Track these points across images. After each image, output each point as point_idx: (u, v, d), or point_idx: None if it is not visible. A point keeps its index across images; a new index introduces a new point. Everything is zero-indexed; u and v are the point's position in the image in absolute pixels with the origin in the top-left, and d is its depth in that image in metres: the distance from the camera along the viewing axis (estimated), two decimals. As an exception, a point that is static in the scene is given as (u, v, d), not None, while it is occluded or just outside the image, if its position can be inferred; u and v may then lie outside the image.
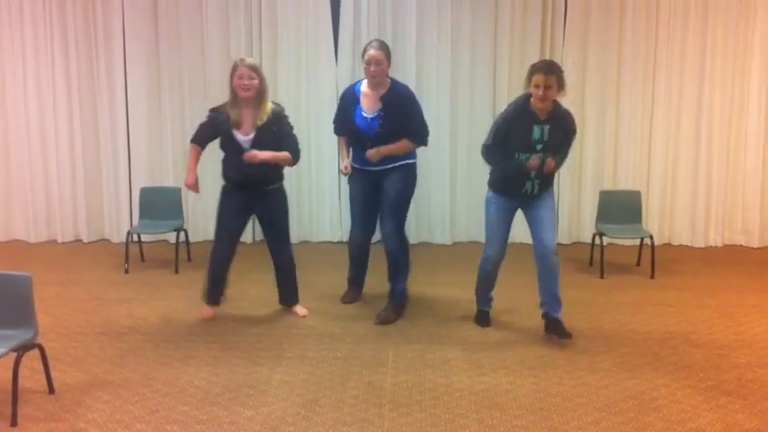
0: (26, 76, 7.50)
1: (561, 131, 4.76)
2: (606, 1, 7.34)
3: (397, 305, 5.35)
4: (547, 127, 4.70)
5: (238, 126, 4.86)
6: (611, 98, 7.45)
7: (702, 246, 7.63)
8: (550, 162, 4.64)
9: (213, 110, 5.02)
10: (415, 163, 5.35)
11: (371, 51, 5.06)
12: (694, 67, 7.43)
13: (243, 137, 4.87)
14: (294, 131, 5.08)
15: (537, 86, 4.59)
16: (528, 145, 4.68)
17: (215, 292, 5.28)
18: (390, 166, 5.21)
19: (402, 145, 5.17)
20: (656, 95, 7.50)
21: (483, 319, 5.18)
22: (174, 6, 7.35)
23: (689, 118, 7.51)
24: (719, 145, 7.54)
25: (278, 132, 4.92)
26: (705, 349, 4.73)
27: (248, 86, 4.78)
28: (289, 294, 5.39)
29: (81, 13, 7.40)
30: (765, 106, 7.45)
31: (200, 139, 5.06)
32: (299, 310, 5.36)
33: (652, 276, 6.37)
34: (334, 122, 5.47)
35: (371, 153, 5.10)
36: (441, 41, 7.39)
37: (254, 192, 5.03)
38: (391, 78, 5.25)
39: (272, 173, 5.02)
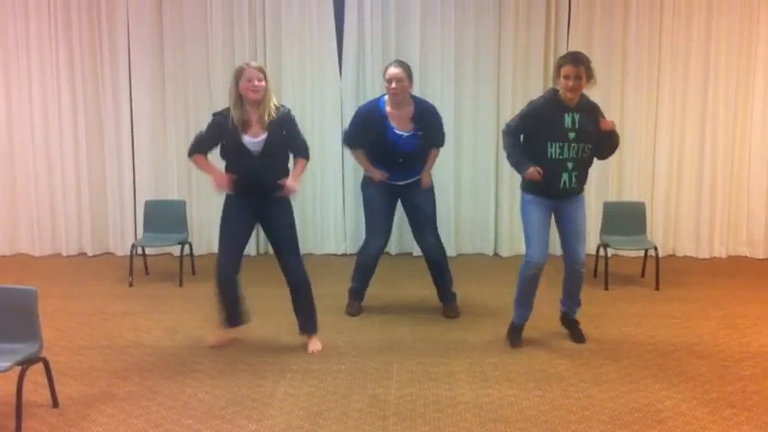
0: (31, 89, 7.54)
1: (592, 121, 4.75)
2: (609, 13, 7.38)
3: (455, 303, 5.67)
4: (577, 116, 4.68)
5: (245, 129, 4.68)
6: (614, 109, 7.44)
7: (707, 257, 7.63)
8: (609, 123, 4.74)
9: (217, 114, 4.79)
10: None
11: (392, 69, 5.13)
12: (698, 79, 7.45)
13: (252, 139, 4.67)
14: (301, 130, 4.96)
15: (567, 77, 4.58)
16: (559, 134, 4.63)
17: (234, 313, 4.96)
18: (415, 178, 5.41)
19: (434, 156, 5.51)
20: (660, 107, 7.52)
21: (516, 335, 4.97)
22: (178, 19, 7.39)
23: (693, 129, 7.53)
24: (723, 156, 7.55)
25: (288, 135, 4.79)
26: (710, 361, 4.72)
27: (258, 88, 4.60)
28: (304, 320, 5.00)
29: (86, 26, 7.45)
30: (770, 117, 7.47)
31: (202, 148, 4.81)
32: (313, 344, 4.95)
33: (657, 288, 6.36)
34: (351, 137, 5.44)
35: (427, 181, 5.46)
36: (444, 55, 7.42)
37: (262, 200, 4.80)
38: (412, 96, 5.34)
39: (281, 176, 4.80)
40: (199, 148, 4.82)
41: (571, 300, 5.02)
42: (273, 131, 4.70)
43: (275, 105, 4.74)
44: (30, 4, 7.41)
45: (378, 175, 5.34)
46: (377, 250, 5.54)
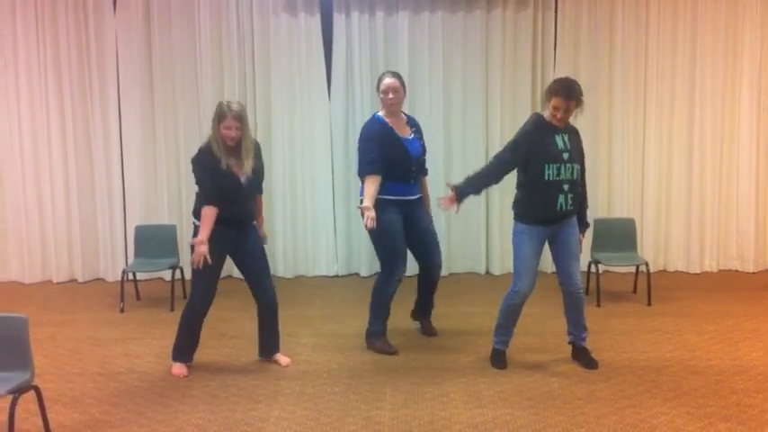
0: (21, 116, 7.53)
1: (578, 140, 4.81)
2: (594, 32, 7.46)
3: None
4: (566, 136, 4.71)
5: (236, 167, 4.72)
6: (603, 127, 7.52)
7: (698, 272, 7.66)
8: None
9: (204, 154, 4.69)
10: None
11: (388, 80, 5.15)
12: (684, 96, 7.53)
13: (241, 177, 4.73)
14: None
15: (556, 108, 4.60)
16: (555, 154, 4.62)
17: (193, 348, 4.98)
18: (419, 195, 5.41)
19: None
20: (648, 123, 7.58)
21: (499, 359, 4.94)
22: (167, 46, 7.42)
23: (681, 145, 7.59)
24: (712, 171, 7.60)
25: (261, 167, 4.89)
26: (703, 376, 4.73)
27: (234, 137, 4.63)
28: (273, 342, 5.09)
29: (75, 52, 7.46)
30: (756, 132, 7.53)
31: (214, 197, 4.64)
32: (282, 359, 5.06)
33: (649, 303, 6.38)
34: (375, 161, 5.07)
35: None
36: (432, 76, 7.47)
37: (239, 230, 4.83)
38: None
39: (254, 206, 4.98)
40: (213, 196, 4.63)
41: (577, 327, 4.95)
42: (255, 166, 4.79)
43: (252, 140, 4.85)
44: (18, 29, 7.42)
45: (370, 219, 4.92)
46: (401, 276, 5.31)
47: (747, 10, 7.41)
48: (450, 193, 4.71)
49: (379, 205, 5.09)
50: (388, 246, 5.24)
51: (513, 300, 4.82)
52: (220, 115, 4.63)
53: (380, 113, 5.28)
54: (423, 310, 5.70)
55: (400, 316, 5.89)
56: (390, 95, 5.13)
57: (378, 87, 5.22)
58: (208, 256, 4.55)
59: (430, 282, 5.56)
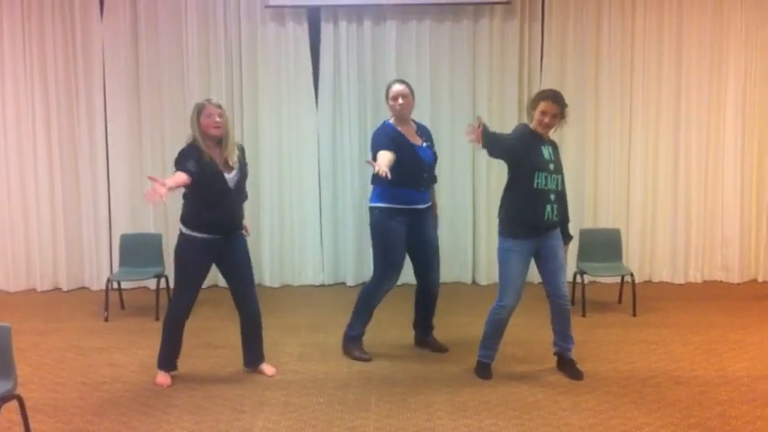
0: (6, 124, 7.51)
1: (558, 153, 4.88)
2: (581, 43, 7.49)
3: None
4: (550, 148, 4.78)
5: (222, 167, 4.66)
6: (589, 138, 7.56)
7: (683, 282, 7.69)
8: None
9: (189, 148, 4.60)
10: None
11: (398, 87, 5.18)
12: (670, 106, 7.57)
13: (228, 176, 4.66)
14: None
15: (544, 113, 4.65)
16: (543, 164, 4.66)
17: (176, 354, 4.95)
18: (429, 203, 5.36)
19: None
20: (634, 134, 7.62)
21: (485, 372, 4.93)
22: (154, 56, 7.40)
23: (666, 156, 7.63)
24: (697, 182, 7.65)
25: (245, 169, 4.84)
26: (688, 386, 4.74)
27: (219, 124, 4.59)
28: (258, 352, 5.06)
29: (62, 61, 7.45)
30: (741, 142, 7.58)
31: (190, 168, 4.49)
32: (268, 368, 5.05)
33: (634, 314, 6.40)
34: (383, 144, 5.06)
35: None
36: (420, 86, 7.39)
37: (227, 237, 4.78)
38: None
39: (242, 213, 4.94)
40: (184, 166, 4.51)
41: (564, 338, 4.95)
42: (241, 168, 4.76)
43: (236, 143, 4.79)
44: (4, 37, 7.41)
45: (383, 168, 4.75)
46: (391, 288, 5.31)
47: (732, 21, 7.47)
48: (477, 124, 4.50)
49: (387, 213, 5.14)
50: (387, 256, 5.23)
51: (499, 314, 4.83)
52: (199, 108, 4.63)
53: (390, 120, 5.27)
54: (424, 329, 5.57)
55: (389, 325, 5.90)
56: (400, 101, 5.14)
57: (387, 95, 5.23)
58: (163, 196, 4.15)
59: (429, 297, 5.47)
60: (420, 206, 5.25)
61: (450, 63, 7.52)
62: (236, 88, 7.51)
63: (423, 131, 5.38)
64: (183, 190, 4.67)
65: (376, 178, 5.05)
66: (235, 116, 7.37)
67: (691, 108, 7.56)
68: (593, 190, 7.64)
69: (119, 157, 7.56)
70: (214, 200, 4.64)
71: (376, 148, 5.08)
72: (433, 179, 5.41)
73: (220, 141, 4.67)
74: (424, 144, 5.29)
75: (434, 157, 5.37)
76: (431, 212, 5.41)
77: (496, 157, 4.72)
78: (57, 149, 7.52)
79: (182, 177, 4.46)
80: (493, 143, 4.51)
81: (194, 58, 7.43)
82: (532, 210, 4.68)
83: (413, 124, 5.35)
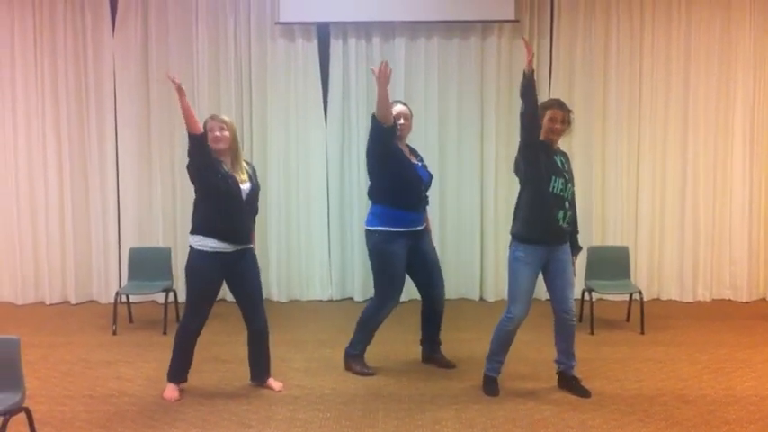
0: (17, 137, 7.56)
1: (570, 164, 4.92)
2: (589, 60, 7.51)
3: None
4: (563, 158, 4.84)
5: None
6: (596, 154, 7.56)
7: (691, 300, 7.66)
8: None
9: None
10: None
11: (400, 107, 5.25)
12: (678, 124, 7.58)
13: (241, 185, 4.74)
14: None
15: (553, 120, 4.69)
16: (558, 170, 4.71)
17: (187, 367, 4.96)
18: (425, 224, 5.40)
19: None
20: (641, 152, 7.62)
21: (492, 388, 4.92)
22: (165, 67, 7.43)
23: (674, 174, 7.63)
24: (705, 200, 7.64)
25: (258, 187, 4.93)
26: (696, 405, 4.72)
27: (219, 138, 4.65)
28: (265, 367, 5.06)
29: (72, 75, 7.51)
30: (749, 161, 7.57)
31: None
32: (275, 383, 5.04)
33: (642, 332, 6.38)
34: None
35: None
36: (428, 102, 7.52)
37: (234, 253, 4.78)
38: None
39: (253, 227, 4.97)
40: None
41: (567, 355, 4.94)
42: (254, 182, 4.85)
43: (245, 161, 4.91)
44: (17, 54, 7.47)
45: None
46: (393, 309, 5.33)
47: (740, 40, 7.48)
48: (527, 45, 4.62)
49: (388, 237, 5.15)
50: (388, 279, 5.25)
51: (508, 326, 4.82)
52: (204, 123, 4.73)
53: None
54: (431, 345, 5.56)
55: (396, 341, 5.90)
56: (402, 121, 5.20)
57: None
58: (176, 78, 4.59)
59: (435, 313, 5.47)
60: (419, 228, 5.30)
61: (458, 80, 7.55)
62: (246, 103, 7.56)
63: (414, 152, 5.42)
64: (194, 197, 4.79)
65: (375, 195, 5.21)
66: (244, 131, 7.42)
67: (699, 126, 7.56)
68: (601, 208, 7.64)
69: (128, 171, 7.61)
70: (225, 205, 4.67)
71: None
72: (426, 201, 5.42)
73: (229, 156, 4.74)
74: (420, 163, 5.34)
75: (430, 176, 5.40)
76: (426, 229, 5.45)
77: (527, 112, 4.56)
78: (67, 163, 7.57)
79: (192, 111, 4.62)
80: (533, 90, 4.54)
81: (204, 74, 7.49)
82: (547, 212, 4.69)
83: (407, 146, 5.38)
